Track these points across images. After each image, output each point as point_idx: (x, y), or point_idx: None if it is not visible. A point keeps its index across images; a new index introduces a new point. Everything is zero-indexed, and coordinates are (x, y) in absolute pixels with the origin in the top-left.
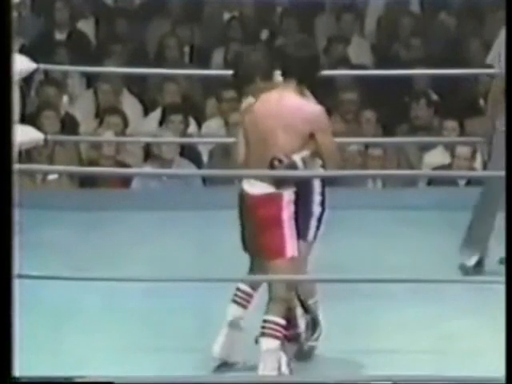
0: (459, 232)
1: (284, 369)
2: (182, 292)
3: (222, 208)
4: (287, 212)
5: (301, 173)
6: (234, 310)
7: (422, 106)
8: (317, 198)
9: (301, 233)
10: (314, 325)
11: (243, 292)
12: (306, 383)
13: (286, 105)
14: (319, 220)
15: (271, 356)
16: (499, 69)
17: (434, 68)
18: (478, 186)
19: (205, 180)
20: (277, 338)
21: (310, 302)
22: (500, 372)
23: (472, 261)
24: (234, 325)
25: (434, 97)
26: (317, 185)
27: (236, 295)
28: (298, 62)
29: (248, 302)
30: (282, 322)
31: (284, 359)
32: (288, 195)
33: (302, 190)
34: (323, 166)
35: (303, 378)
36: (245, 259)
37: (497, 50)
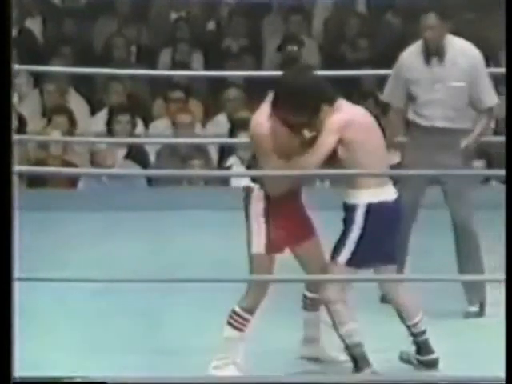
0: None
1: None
2: (130, 293)
3: (167, 209)
4: (255, 207)
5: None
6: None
7: (370, 106)
8: None
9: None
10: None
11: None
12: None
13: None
14: None
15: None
16: (395, 104)
17: (380, 68)
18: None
19: (150, 181)
20: (236, 328)
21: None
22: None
23: (475, 307)
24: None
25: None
26: None
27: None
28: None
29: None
30: (246, 315)
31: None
32: (258, 190)
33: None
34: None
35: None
36: (190, 259)
37: (390, 87)
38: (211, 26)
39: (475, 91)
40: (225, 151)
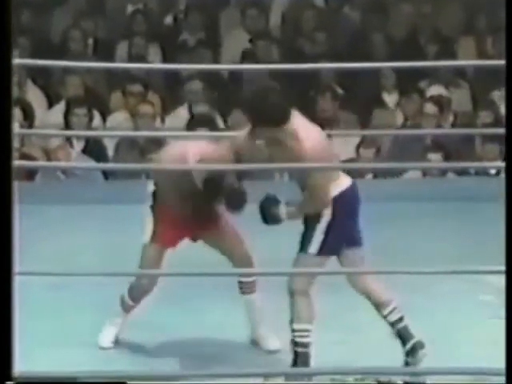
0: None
1: None
2: (86, 287)
3: (125, 202)
4: None
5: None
6: None
7: (327, 100)
8: None
9: None
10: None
11: None
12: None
13: None
14: None
15: None
16: None
17: (338, 62)
18: (384, 179)
19: (106, 174)
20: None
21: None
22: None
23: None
24: None
25: (339, 91)
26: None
27: None
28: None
29: None
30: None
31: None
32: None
33: None
34: None
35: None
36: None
37: None
38: (168, 19)
39: None
40: None
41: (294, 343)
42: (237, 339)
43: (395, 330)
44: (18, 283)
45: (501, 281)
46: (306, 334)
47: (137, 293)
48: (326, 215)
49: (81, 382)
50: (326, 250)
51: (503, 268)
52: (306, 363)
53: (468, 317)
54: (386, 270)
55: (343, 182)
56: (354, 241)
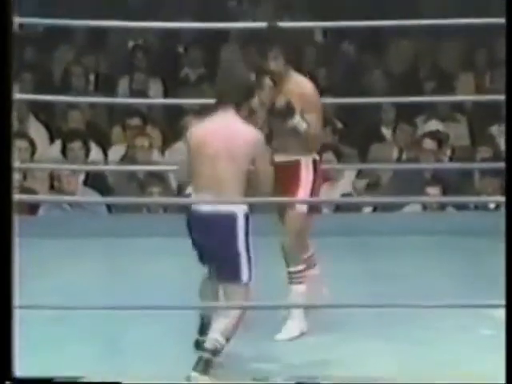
0: (368, 257)
1: None
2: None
3: (128, 236)
4: None
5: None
6: None
7: (328, 134)
8: None
9: None
10: None
11: None
12: None
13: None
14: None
15: None
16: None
17: (337, 96)
18: (383, 212)
19: (110, 207)
20: None
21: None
22: None
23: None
24: None
25: (339, 124)
26: None
27: None
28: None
29: None
30: None
31: None
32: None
33: None
34: None
35: None
36: (150, 285)
37: None
38: (170, 54)
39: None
40: None
41: (205, 349)
42: None
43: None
44: (19, 317)
45: (501, 314)
46: (219, 347)
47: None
48: None
49: (81, 382)
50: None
51: (503, 302)
52: (204, 371)
53: (468, 350)
54: (387, 304)
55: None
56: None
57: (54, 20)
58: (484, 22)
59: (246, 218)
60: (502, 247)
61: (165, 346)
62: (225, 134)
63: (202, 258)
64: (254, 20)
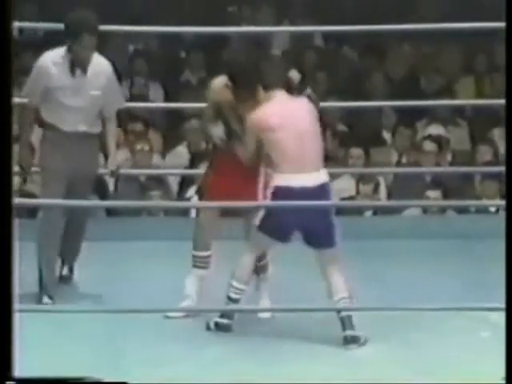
0: (368, 261)
1: None
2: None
3: (128, 239)
4: None
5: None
6: None
7: (328, 138)
8: None
9: None
10: None
11: None
12: None
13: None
14: None
15: None
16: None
17: (339, 100)
18: (384, 216)
19: (108, 211)
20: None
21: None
22: None
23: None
24: None
25: (341, 127)
26: None
27: None
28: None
29: None
30: None
31: None
32: None
33: None
34: None
35: None
36: (152, 290)
37: (30, 87)
38: (170, 58)
39: (108, 100)
40: (184, 182)
41: (228, 298)
42: None
43: (340, 316)
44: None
45: (501, 318)
46: (239, 292)
47: None
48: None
49: (83, 382)
50: (263, 229)
51: (503, 305)
52: (227, 317)
53: (468, 352)
54: (387, 307)
55: (297, 179)
56: (286, 239)
57: (54, 25)
58: (484, 26)
59: None
60: (502, 250)
61: (165, 346)
62: (296, 114)
63: (285, 233)
64: (254, 24)
